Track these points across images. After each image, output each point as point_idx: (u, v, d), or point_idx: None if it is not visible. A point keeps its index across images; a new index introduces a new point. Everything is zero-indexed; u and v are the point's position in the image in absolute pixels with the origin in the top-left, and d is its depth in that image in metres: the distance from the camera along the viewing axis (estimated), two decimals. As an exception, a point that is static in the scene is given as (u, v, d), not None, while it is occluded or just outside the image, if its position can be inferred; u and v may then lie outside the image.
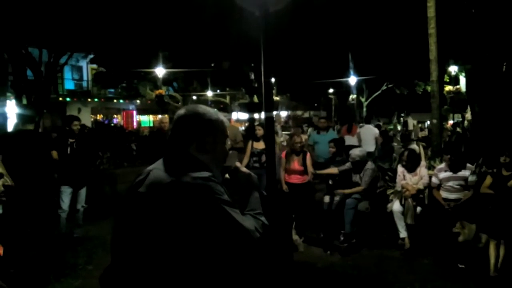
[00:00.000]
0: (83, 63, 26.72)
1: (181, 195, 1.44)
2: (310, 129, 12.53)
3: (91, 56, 22.98)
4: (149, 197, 1.49)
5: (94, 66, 26.00)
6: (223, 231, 1.46)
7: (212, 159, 1.62)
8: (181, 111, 1.67)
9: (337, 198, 5.95)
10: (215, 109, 1.76)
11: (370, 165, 6.01)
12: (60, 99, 25.00)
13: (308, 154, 6.50)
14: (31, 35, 13.44)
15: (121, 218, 1.58)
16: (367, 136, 9.54)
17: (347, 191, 5.86)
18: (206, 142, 1.61)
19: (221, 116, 1.70)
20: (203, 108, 1.68)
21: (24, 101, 14.86)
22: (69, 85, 27.08)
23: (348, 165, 6.00)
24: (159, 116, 25.04)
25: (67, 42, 14.62)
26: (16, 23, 12.45)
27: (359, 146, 8.24)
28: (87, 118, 26.04)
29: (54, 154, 5.76)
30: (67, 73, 25.97)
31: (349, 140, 9.64)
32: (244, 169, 1.75)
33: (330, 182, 6.20)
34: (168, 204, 1.45)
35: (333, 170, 6.10)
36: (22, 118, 6.11)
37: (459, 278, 4.58)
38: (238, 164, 1.77)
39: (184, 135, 1.61)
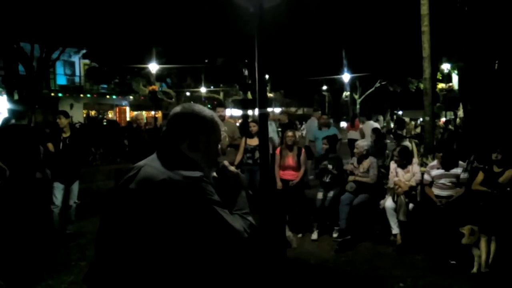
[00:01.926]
0: (75, 58, 26.51)
1: (173, 194, 1.44)
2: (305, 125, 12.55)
3: (84, 51, 22.82)
4: (139, 194, 1.49)
5: (87, 61, 25.79)
6: (213, 231, 1.47)
7: (203, 158, 1.62)
8: (177, 108, 1.68)
9: (330, 195, 5.98)
10: (211, 110, 1.77)
11: (373, 158, 6.08)
12: (52, 94, 24.80)
13: (303, 150, 6.53)
14: (23, 30, 13.31)
15: (109, 214, 1.57)
16: (369, 131, 9.96)
17: (358, 178, 5.88)
18: (199, 140, 1.61)
19: (217, 117, 1.71)
20: (199, 107, 1.69)
21: (16, 97, 14.74)
22: (61, 80, 26.86)
23: (375, 171, 5.94)
24: (152, 112, 24.97)
25: (59, 37, 14.52)
26: (8, 17, 12.33)
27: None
28: (79, 114, 25.85)
29: (50, 146, 5.71)
30: (59, 69, 25.77)
31: (353, 134, 10.82)
32: (232, 168, 1.76)
33: (325, 179, 6.21)
34: (159, 202, 1.44)
35: (367, 179, 5.93)
36: (13, 114, 6.05)
37: (450, 274, 4.63)
38: (226, 163, 1.78)
39: (178, 132, 1.61)
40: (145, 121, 7.46)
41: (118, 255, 1.48)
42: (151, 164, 1.56)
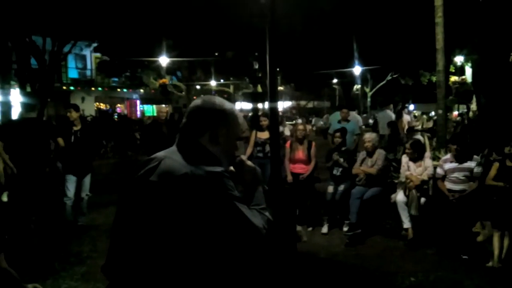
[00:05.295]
0: (86, 52, 26.70)
1: (195, 188, 1.43)
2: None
3: (95, 44, 22.98)
4: (161, 186, 1.48)
5: (98, 54, 25.98)
6: (233, 227, 1.47)
7: (223, 151, 1.61)
8: (198, 101, 1.66)
9: (341, 188, 5.95)
10: (231, 103, 1.75)
11: (381, 151, 6.04)
12: (64, 88, 24.99)
13: (313, 143, 6.51)
14: (35, 23, 13.40)
15: (127, 205, 1.57)
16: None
17: (363, 168, 5.88)
18: (219, 134, 1.60)
19: (236, 110, 1.70)
20: (219, 99, 1.68)
21: (28, 90, 14.88)
22: (72, 73, 27.06)
23: (380, 163, 5.91)
24: (163, 105, 25.07)
25: (71, 31, 14.58)
26: (20, 11, 12.42)
27: None
28: (90, 107, 26.05)
29: (61, 141, 5.77)
30: (71, 62, 25.94)
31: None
32: (249, 163, 1.75)
33: (335, 172, 6.18)
34: (180, 196, 1.44)
35: (371, 170, 5.88)
36: (25, 107, 6.12)
37: (462, 269, 4.58)
38: (243, 157, 1.77)
39: (198, 125, 1.60)
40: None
41: (137, 246, 1.47)
42: (171, 157, 1.54)
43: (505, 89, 8.13)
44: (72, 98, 24.53)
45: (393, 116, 10.98)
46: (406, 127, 10.80)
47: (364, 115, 28.88)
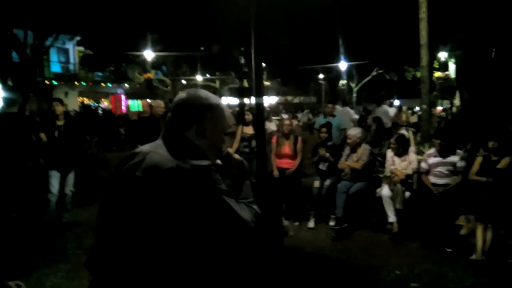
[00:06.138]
0: (69, 46, 26.23)
1: (181, 182, 1.42)
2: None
3: (78, 38, 22.57)
4: (146, 181, 1.45)
5: (81, 48, 25.52)
6: (221, 221, 1.46)
7: (209, 145, 1.60)
8: (183, 95, 1.64)
9: (327, 183, 5.97)
10: (217, 96, 1.73)
11: (366, 145, 6.07)
12: (47, 82, 24.53)
13: (300, 138, 6.51)
14: (16, 16, 13.10)
15: (112, 200, 1.54)
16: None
17: (348, 163, 5.89)
18: (206, 127, 1.58)
19: (223, 104, 1.68)
20: (205, 93, 1.66)
21: (10, 84, 14.60)
22: (55, 68, 26.56)
23: (365, 158, 5.92)
24: (148, 100, 24.80)
25: (53, 24, 14.30)
26: (0, 4, 12.14)
27: None
28: (74, 102, 25.64)
29: (43, 136, 5.66)
30: (53, 56, 25.47)
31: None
32: (236, 156, 1.74)
33: (322, 167, 6.20)
34: (166, 190, 1.42)
35: (357, 165, 5.90)
36: (7, 101, 5.99)
37: (446, 262, 4.65)
38: (230, 150, 1.76)
39: (184, 118, 1.58)
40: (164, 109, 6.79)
41: (122, 241, 1.45)
42: (157, 151, 1.52)
43: (487, 85, 8.26)
44: (55, 92, 24.09)
45: (389, 111, 11.16)
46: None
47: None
